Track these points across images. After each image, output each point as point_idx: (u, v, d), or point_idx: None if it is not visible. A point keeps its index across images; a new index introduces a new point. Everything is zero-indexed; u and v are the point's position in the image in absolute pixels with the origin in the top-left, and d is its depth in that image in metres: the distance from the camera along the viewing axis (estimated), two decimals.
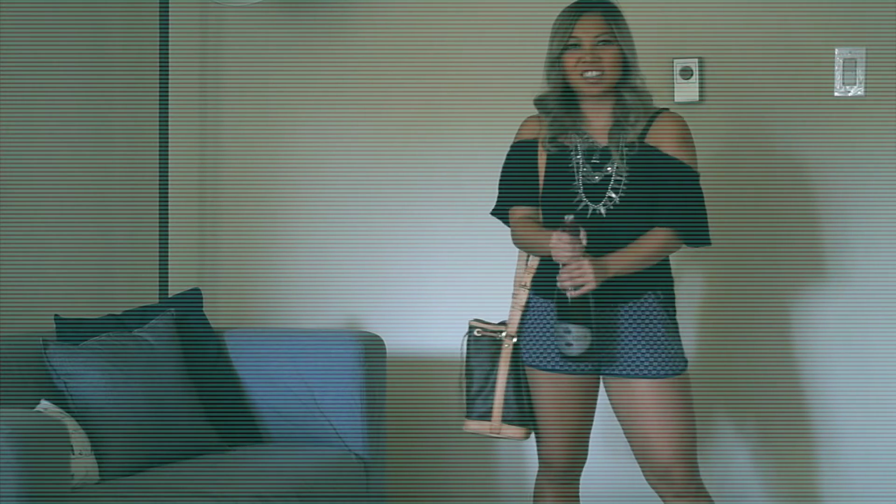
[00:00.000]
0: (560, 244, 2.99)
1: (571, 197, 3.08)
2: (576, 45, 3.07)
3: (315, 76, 4.22)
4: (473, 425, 3.22)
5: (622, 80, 3.08)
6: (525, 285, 3.18)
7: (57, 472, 2.70)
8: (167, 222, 4.08)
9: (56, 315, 3.48)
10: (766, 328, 3.83)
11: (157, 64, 4.08)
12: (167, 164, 4.08)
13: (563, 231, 2.99)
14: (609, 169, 3.06)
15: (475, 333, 3.23)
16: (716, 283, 3.86)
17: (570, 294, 2.97)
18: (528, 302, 3.16)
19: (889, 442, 3.74)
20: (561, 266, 2.99)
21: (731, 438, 3.88)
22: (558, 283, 2.99)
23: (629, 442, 3.12)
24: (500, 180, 3.24)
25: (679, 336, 3.11)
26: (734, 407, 3.88)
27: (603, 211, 3.06)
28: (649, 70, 3.17)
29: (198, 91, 4.33)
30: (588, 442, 3.22)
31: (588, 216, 3.05)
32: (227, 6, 4.18)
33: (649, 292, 3.07)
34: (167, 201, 4.08)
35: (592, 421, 3.21)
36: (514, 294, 3.21)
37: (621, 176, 3.05)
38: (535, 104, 3.17)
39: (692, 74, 3.84)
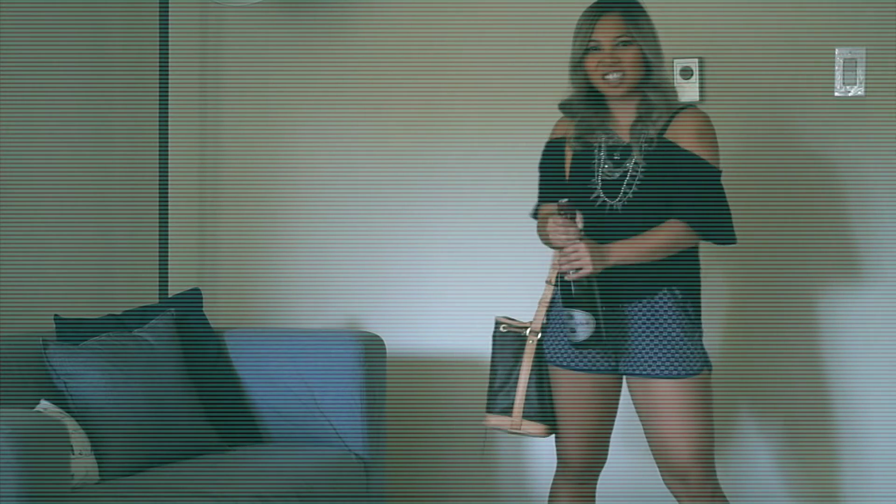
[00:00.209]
0: (555, 227, 3.00)
1: (589, 192, 3.08)
2: (596, 47, 3.07)
3: (315, 76, 4.22)
4: (494, 420, 3.22)
5: (645, 79, 3.08)
6: (550, 281, 3.18)
7: (57, 472, 2.70)
8: (167, 222, 4.08)
9: (56, 315, 3.48)
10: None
11: (157, 64, 4.08)
12: (167, 164, 4.08)
13: (558, 215, 3.00)
14: (628, 165, 3.07)
15: (501, 329, 3.24)
16: (720, 281, 3.85)
17: (569, 277, 2.97)
18: (552, 299, 3.16)
19: None
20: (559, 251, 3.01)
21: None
22: (558, 268, 3.00)
23: (648, 442, 3.11)
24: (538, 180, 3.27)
25: (699, 336, 3.08)
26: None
27: (618, 206, 3.06)
28: None
29: (198, 91, 4.33)
30: (608, 443, 3.21)
31: (605, 211, 3.06)
32: (227, 6, 4.18)
33: (664, 290, 3.05)
34: (167, 201, 4.08)
35: (613, 423, 3.19)
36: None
37: (638, 172, 3.06)
38: (560, 108, 3.18)
39: (692, 74, 3.84)
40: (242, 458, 3.45)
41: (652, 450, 3.11)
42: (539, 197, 3.24)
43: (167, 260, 4.07)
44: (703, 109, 3.14)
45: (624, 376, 3.13)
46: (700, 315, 3.11)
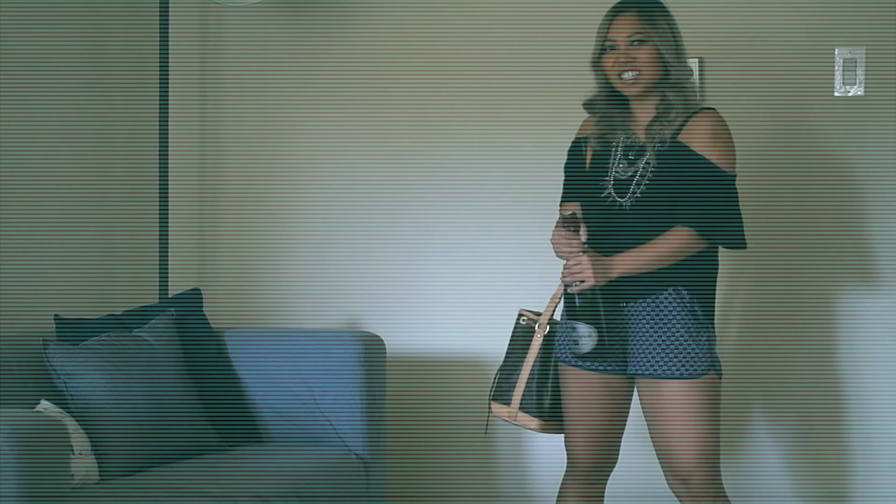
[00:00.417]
0: (558, 240, 3.01)
1: (601, 190, 3.09)
2: (612, 46, 3.08)
3: (315, 76, 4.22)
4: (494, 407, 3.27)
5: (663, 79, 3.08)
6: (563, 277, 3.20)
7: (57, 472, 2.70)
8: (167, 222, 4.08)
9: (56, 315, 3.48)
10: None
11: (157, 64, 4.08)
12: (167, 164, 4.08)
13: (561, 227, 3.00)
14: (640, 164, 3.07)
15: (521, 321, 3.27)
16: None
17: (571, 290, 2.98)
18: (563, 296, 3.17)
19: None
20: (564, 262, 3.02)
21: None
22: (562, 280, 3.01)
23: (652, 442, 3.11)
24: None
25: (706, 337, 3.06)
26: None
27: (627, 204, 3.06)
28: None
29: (198, 91, 4.33)
30: (618, 445, 3.20)
31: (614, 209, 3.06)
32: (227, 6, 4.18)
33: (669, 289, 3.05)
34: (167, 201, 4.08)
35: (624, 424, 3.19)
36: None
37: (648, 171, 3.06)
38: (584, 107, 3.18)
39: (692, 74, 3.83)
40: (242, 458, 3.45)
41: (656, 451, 3.10)
42: (563, 197, 3.24)
43: (167, 260, 4.07)
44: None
45: (635, 378, 3.13)
46: (711, 318, 3.09)
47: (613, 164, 3.10)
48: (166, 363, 3.49)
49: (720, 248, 3.13)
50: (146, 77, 4.14)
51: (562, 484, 3.24)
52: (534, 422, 3.22)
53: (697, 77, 3.84)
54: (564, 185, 3.24)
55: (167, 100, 4.08)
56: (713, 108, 3.12)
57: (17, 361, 3.30)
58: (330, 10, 4.22)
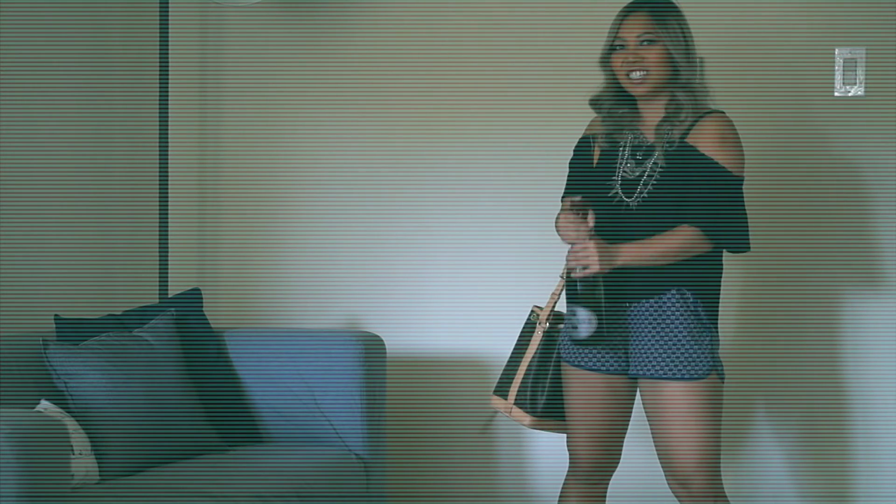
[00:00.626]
0: (565, 224, 3.01)
1: (608, 189, 3.09)
2: (622, 45, 3.08)
3: (315, 76, 4.22)
4: (493, 399, 3.31)
5: (672, 79, 3.08)
6: (563, 275, 3.19)
7: (57, 472, 2.70)
8: (167, 222, 4.08)
9: (56, 315, 3.48)
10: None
11: (157, 64, 4.08)
12: (167, 164, 4.08)
13: (569, 211, 3.00)
14: (648, 164, 3.07)
15: (531, 318, 3.29)
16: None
17: (575, 275, 2.97)
18: (565, 281, 3.18)
19: None
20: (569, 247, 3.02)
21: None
22: (566, 264, 3.01)
23: (654, 443, 3.11)
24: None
25: (709, 339, 3.05)
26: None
27: (633, 204, 3.06)
28: None
29: (198, 91, 4.33)
30: (620, 445, 3.20)
31: (621, 209, 3.06)
32: (227, 6, 4.18)
33: (672, 290, 3.05)
34: (167, 201, 4.08)
35: (626, 425, 3.19)
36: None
37: (656, 171, 3.06)
38: (590, 104, 3.18)
39: (702, 76, 3.83)
40: (242, 458, 3.45)
41: (657, 452, 3.10)
42: (564, 191, 3.23)
43: (167, 260, 4.07)
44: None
45: (635, 379, 3.13)
46: (714, 320, 3.09)
47: (621, 163, 3.11)
48: (166, 363, 3.49)
49: (723, 253, 3.13)
50: (146, 77, 4.14)
51: (564, 484, 3.25)
52: (526, 418, 3.24)
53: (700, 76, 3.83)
54: (568, 179, 3.23)
55: (167, 100, 4.07)
56: (722, 111, 3.12)
57: (17, 361, 3.30)
58: (330, 10, 4.22)
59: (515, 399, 3.24)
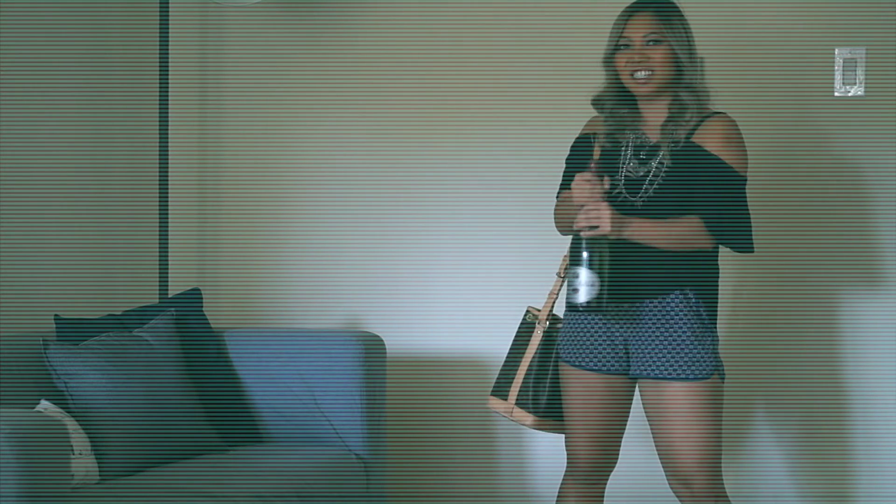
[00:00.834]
0: (581, 183, 2.99)
1: (612, 188, 3.08)
2: (626, 45, 3.08)
3: (315, 76, 4.22)
4: (492, 401, 3.29)
5: (676, 80, 3.08)
6: (560, 274, 3.19)
7: (57, 472, 2.70)
8: (167, 222, 4.08)
9: (56, 315, 3.48)
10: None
11: (157, 64, 4.08)
12: (167, 164, 4.08)
13: (589, 172, 2.99)
14: (652, 164, 3.07)
15: (527, 318, 3.28)
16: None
17: (585, 234, 2.96)
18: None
19: None
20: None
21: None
22: (574, 225, 2.99)
23: (654, 443, 3.11)
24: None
25: (711, 341, 3.06)
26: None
27: (638, 203, 3.06)
28: None
29: (198, 91, 4.33)
30: (618, 446, 3.20)
31: (625, 208, 3.05)
32: (227, 6, 4.18)
33: (676, 291, 3.05)
34: (167, 201, 4.08)
35: (624, 425, 3.19)
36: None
37: (661, 171, 3.06)
38: (592, 103, 3.18)
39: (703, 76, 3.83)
40: (242, 458, 3.45)
41: (658, 452, 3.10)
42: (561, 185, 3.23)
43: (167, 260, 4.07)
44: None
45: (636, 381, 3.13)
46: (715, 320, 3.09)
47: (624, 162, 3.10)
48: (166, 363, 3.49)
49: (721, 251, 3.13)
50: (146, 77, 4.14)
51: (562, 484, 3.25)
52: (528, 418, 3.23)
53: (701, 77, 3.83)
54: (566, 175, 3.22)
55: (167, 100, 4.07)
56: (724, 113, 3.12)
57: (17, 361, 3.30)
58: (330, 10, 4.22)
59: (517, 399, 3.24)
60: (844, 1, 3.80)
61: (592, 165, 3.02)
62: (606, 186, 3.01)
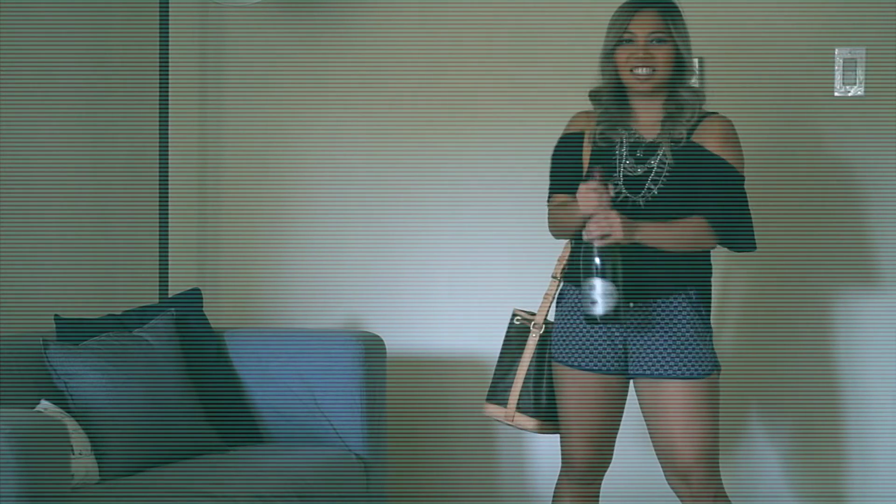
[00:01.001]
0: (587, 192, 2.97)
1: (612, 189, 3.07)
2: (630, 40, 3.07)
3: (315, 76, 4.22)
4: (490, 408, 3.27)
5: (675, 79, 3.08)
6: (555, 276, 3.18)
7: (57, 472, 2.70)
8: (167, 222, 4.08)
9: (56, 315, 3.48)
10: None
11: (157, 64, 4.08)
12: (167, 164, 4.08)
13: (594, 182, 2.98)
14: (652, 162, 3.06)
15: (515, 321, 3.26)
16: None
17: (598, 243, 2.94)
18: (560, 293, 3.16)
19: None
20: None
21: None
22: (584, 236, 2.97)
23: (652, 442, 3.11)
24: (549, 173, 3.23)
25: (710, 339, 3.08)
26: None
27: (641, 202, 3.05)
28: None
29: (198, 91, 4.33)
30: (613, 445, 3.20)
31: (627, 207, 3.04)
32: (227, 6, 4.18)
33: (681, 292, 3.06)
34: (167, 201, 4.08)
35: (618, 424, 3.19)
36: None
37: (663, 169, 3.05)
38: (590, 97, 3.17)
39: (697, 75, 3.84)
40: (242, 458, 3.45)
41: (656, 450, 3.10)
42: (551, 188, 3.21)
43: (167, 260, 4.07)
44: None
45: (631, 380, 3.13)
46: (710, 316, 3.11)
47: (620, 161, 3.09)
48: (166, 363, 3.49)
49: (713, 249, 3.13)
50: (146, 77, 4.14)
51: (557, 484, 3.25)
52: (531, 422, 3.22)
53: (697, 77, 3.83)
54: (554, 177, 3.20)
55: (167, 100, 4.08)
56: (718, 112, 3.13)
57: (17, 361, 3.30)
58: (330, 10, 4.22)
59: (517, 405, 3.22)
60: (844, 1, 3.80)
61: (597, 174, 2.99)
62: (612, 194, 3.00)
